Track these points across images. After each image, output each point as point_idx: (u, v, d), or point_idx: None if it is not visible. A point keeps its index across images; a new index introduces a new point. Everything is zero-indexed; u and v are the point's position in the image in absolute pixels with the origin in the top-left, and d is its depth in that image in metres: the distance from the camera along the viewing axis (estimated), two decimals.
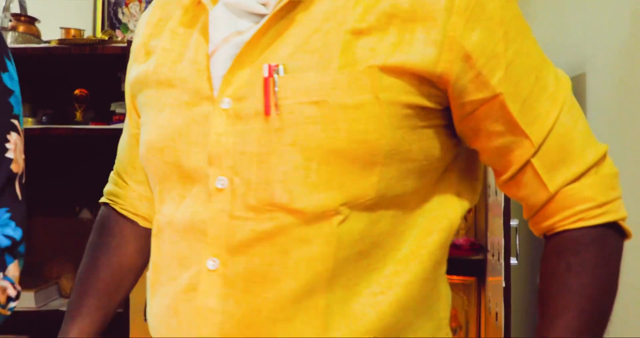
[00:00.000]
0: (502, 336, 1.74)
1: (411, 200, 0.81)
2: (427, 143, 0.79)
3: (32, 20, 2.42)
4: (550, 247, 0.82)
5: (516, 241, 1.78)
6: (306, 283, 0.76)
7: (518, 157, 0.80)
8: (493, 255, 1.94)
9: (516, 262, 1.76)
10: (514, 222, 1.74)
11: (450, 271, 2.45)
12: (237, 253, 0.77)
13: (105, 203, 1.08)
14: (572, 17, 1.88)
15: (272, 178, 0.75)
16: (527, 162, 0.80)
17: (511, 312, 1.76)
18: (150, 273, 0.90)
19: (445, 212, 0.84)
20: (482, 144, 0.82)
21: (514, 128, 0.79)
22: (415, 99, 0.76)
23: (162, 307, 0.84)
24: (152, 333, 0.87)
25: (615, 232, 0.81)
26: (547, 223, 0.82)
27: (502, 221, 1.75)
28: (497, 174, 0.85)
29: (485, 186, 2.13)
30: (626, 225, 0.81)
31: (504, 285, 1.73)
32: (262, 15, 0.79)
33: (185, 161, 0.81)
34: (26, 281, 1.23)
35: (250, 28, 0.79)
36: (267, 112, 0.75)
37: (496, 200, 1.86)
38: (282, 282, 0.76)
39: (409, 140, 0.77)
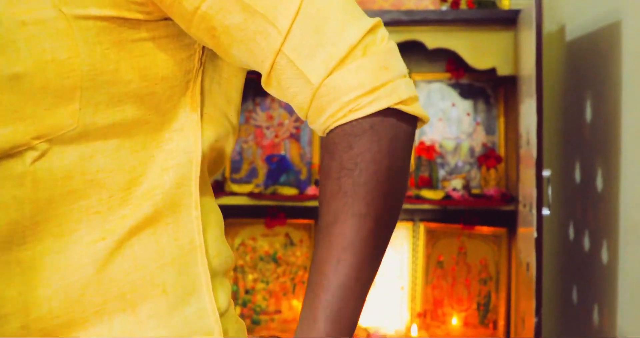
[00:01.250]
0: (534, 287, 1.75)
1: (137, 130, 0.71)
2: (144, 60, 0.69)
3: None
4: (324, 147, 0.70)
5: (548, 191, 1.76)
6: (0, 234, 0.67)
7: (267, 48, 0.67)
8: (525, 206, 1.93)
9: (548, 212, 1.75)
10: (546, 173, 1.73)
11: (480, 222, 2.47)
12: None
13: None
14: None
15: None
16: (280, 53, 0.67)
17: (542, 262, 1.76)
18: None
19: (184, 145, 0.74)
20: (224, 44, 0.70)
21: (253, 15, 0.67)
22: (111, 11, 0.66)
23: None
24: None
25: (394, 119, 0.68)
26: (321, 122, 0.68)
27: (534, 172, 1.74)
28: (262, 77, 0.71)
29: (517, 136, 2.11)
30: (410, 108, 0.68)
31: (535, 235, 1.73)
32: None
33: None
34: None
35: None
36: None
37: (528, 150, 1.84)
38: None
39: (115, 58, 0.67)
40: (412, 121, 0.69)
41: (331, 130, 0.68)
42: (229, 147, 0.83)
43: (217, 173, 0.84)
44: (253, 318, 2.45)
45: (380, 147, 0.66)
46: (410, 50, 2.29)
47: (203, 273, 0.74)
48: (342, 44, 0.66)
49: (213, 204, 0.80)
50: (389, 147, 0.67)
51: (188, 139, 0.74)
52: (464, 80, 2.36)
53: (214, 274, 0.76)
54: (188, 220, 0.75)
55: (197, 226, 0.75)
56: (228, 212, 2.69)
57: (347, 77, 0.66)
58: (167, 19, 0.70)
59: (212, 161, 0.80)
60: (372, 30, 0.67)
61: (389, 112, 0.67)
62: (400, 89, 0.67)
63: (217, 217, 0.80)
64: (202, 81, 0.76)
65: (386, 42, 0.68)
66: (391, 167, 0.67)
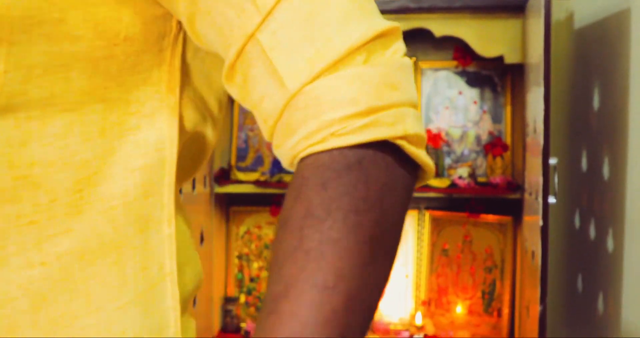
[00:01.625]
0: (539, 275, 1.75)
1: (90, 108, 0.52)
2: (101, 11, 0.50)
3: None
4: (291, 181, 0.49)
5: (555, 180, 1.76)
6: None
7: (239, 29, 0.49)
8: (530, 194, 1.93)
9: (554, 201, 1.75)
10: (552, 161, 1.72)
11: (486, 210, 2.46)
12: None
13: None
14: None
15: None
16: (253, 38, 0.48)
17: (548, 251, 1.76)
18: None
19: (156, 137, 0.56)
20: (186, 13, 0.52)
21: None
22: None
23: None
24: None
25: (392, 158, 0.48)
26: (289, 145, 0.49)
27: (540, 160, 1.74)
28: (224, 68, 0.52)
29: (524, 124, 2.10)
30: (416, 150, 0.49)
31: (541, 224, 1.72)
32: None
33: None
34: None
35: None
36: None
37: (535, 139, 1.84)
38: None
39: (60, 3, 0.48)
40: (414, 169, 0.50)
41: (302, 160, 0.48)
42: (210, 144, 0.66)
43: (192, 177, 0.68)
44: (258, 306, 2.46)
45: (367, 191, 0.46)
46: (418, 38, 2.28)
47: (172, 309, 0.57)
48: (340, 42, 0.47)
49: (182, 213, 0.64)
50: (381, 193, 0.46)
51: (161, 130, 0.56)
52: (471, 68, 2.35)
53: (184, 307, 0.60)
54: (158, 240, 0.57)
55: (169, 247, 0.57)
56: (233, 200, 2.70)
57: (337, 86, 0.47)
58: None
59: (188, 159, 0.64)
60: (385, 34, 0.50)
61: (387, 148, 0.48)
62: (407, 119, 0.48)
63: (187, 228, 0.65)
64: (183, 53, 0.58)
65: (400, 56, 0.51)
66: (379, 223, 0.46)
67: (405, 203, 0.49)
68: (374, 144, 0.47)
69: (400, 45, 0.51)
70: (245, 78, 0.50)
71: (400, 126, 0.47)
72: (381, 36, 0.49)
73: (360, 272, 0.44)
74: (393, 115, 0.47)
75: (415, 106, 0.50)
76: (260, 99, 0.50)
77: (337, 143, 0.46)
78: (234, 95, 0.53)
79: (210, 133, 0.65)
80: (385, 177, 0.47)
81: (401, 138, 0.48)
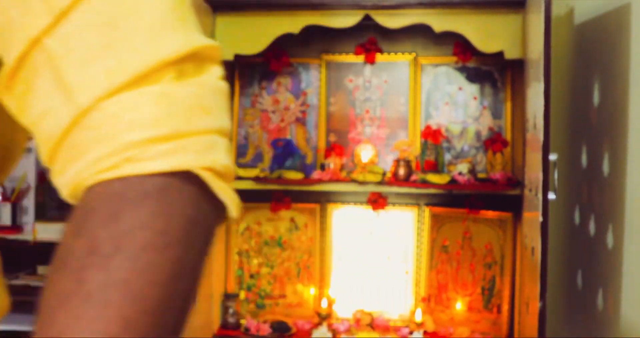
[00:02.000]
0: (539, 271, 1.74)
1: None
2: None
3: None
4: (72, 214, 0.41)
5: (554, 176, 1.76)
6: None
7: (21, 31, 0.41)
8: (530, 190, 1.93)
9: (554, 196, 1.74)
10: (552, 157, 1.72)
11: (486, 206, 2.46)
12: None
13: None
14: None
15: None
16: (39, 44, 0.41)
17: (548, 247, 1.75)
18: None
19: None
20: None
21: None
22: None
23: None
24: None
25: (198, 192, 0.42)
26: (73, 172, 0.41)
27: (540, 156, 1.73)
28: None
29: (524, 120, 2.10)
30: (223, 186, 0.44)
31: (541, 220, 1.72)
32: None
33: None
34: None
35: None
36: None
37: (535, 134, 1.83)
38: None
39: None
40: (220, 210, 0.44)
41: (88, 189, 0.41)
42: (18, 150, 0.57)
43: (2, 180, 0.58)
44: (257, 303, 2.46)
45: (167, 225, 0.39)
46: (417, 33, 2.28)
47: None
48: (149, 54, 0.41)
49: None
50: (184, 228, 0.40)
51: None
52: (471, 64, 2.35)
53: None
54: None
55: None
56: None
57: (139, 104, 0.40)
58: None
59: None
60: (202, 52, 0.44)
61: (191, 179, 0.41)
62: (217, 149, 0.43)
63: None
64: None
65: (216, 80, 0.45)
66: (179, 262, 0.39)
67: (210, 243, 0.43)
68: (177, 175, 0.41)
69: (218, 67, 0.45)
70: (27, 89, 0.42)
71: (209, 156, 0.42)
72: (198, 54, 0.43)
73: (152, 320, 0.37)
74: (202, 143, 0.42)
75: (227, 135, 0.45)
76: (42, 114, 0.41)
77: (132, 170, 0.39)
78: (11, 109, 0.44)
79: (19, 139, 0.56)
80: (191, 210, 0.41)
81: (209, 168, 0.42)
